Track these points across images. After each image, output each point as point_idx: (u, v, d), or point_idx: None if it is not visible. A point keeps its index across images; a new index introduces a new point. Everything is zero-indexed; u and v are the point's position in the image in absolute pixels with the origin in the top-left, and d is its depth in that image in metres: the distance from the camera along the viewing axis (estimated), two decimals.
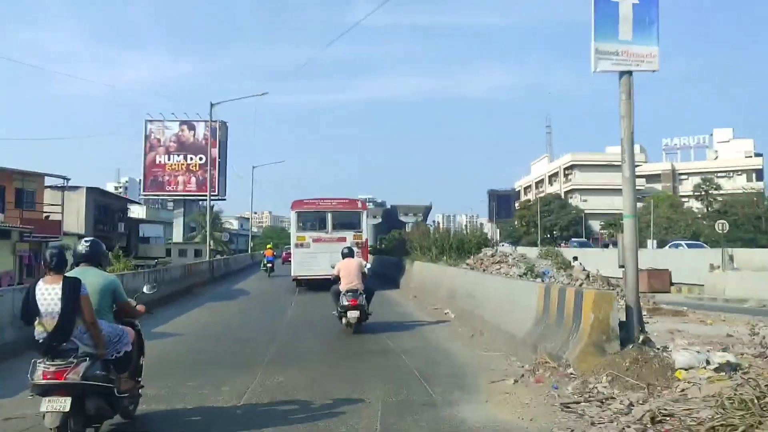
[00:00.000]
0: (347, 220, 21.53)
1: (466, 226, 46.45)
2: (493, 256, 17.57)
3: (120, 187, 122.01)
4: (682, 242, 41.63)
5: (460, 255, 21.02)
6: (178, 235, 72.10)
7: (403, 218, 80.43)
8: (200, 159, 72.52)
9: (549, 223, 76.43)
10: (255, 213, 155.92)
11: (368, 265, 13.44)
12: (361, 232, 21.19)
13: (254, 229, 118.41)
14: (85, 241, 5.50)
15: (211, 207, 79.02)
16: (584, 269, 17.07)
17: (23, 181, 31.45)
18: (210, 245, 31.97)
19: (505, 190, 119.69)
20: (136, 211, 76.28)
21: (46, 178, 32.00)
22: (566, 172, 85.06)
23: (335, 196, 22.91)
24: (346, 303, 11.41)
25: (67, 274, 4.87)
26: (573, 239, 64.52)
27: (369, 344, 10.57)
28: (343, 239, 19.50)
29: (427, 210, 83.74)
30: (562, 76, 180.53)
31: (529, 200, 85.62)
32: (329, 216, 21.25)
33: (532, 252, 24.32)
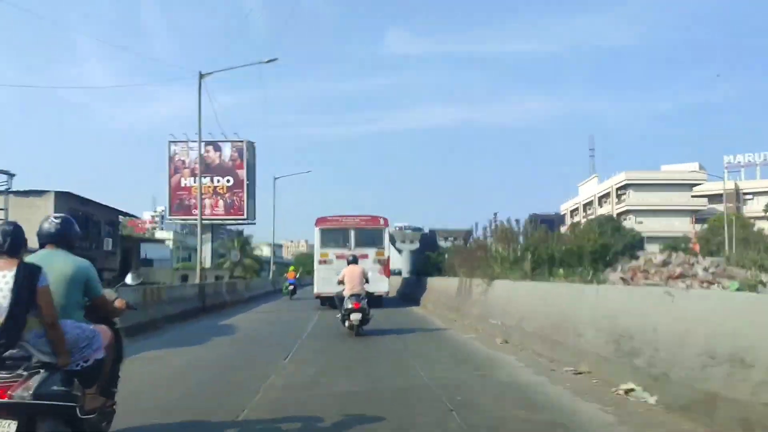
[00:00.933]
0: (370, 237, 20.92)
1: None
2: (665, 264, 8.75)
3: (156, 216, 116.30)
4: None
5: (568, 266, 12.55)
6: (206, 261, 65.06)
7: (442, 243, 71.49)
8: (227, 181, 65.35)
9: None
10: (291, 241, 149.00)
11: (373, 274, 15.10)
12: (383, 249, 20.73)
13: (289, 257, 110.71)
14: (55, 218, 4.07)
15: (242, 230, 72.11)
16: None
17: None
18: (201, 264, 23.97)
19: (547, 214, 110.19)
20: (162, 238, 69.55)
21: None
22: (619, 192, 75.08)
23: (359, 213, 21.88)
24: (349, 306, 11.47)
25: (27, 258, 3.58)
26: None
27: None
28: (365, 256, 18.84)
29: (468, 234, 74.43)
30: (600, 103, 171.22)
31: (579, 223, 75.71)
32: (352, 233, 20.77)
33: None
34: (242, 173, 65.49)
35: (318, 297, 20.50)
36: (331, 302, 18.89)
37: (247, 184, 65.29)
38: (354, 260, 12.72)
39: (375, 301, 19.67)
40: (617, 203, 75.01)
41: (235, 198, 66.08)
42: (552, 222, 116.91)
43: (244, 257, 69.72)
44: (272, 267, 49.69)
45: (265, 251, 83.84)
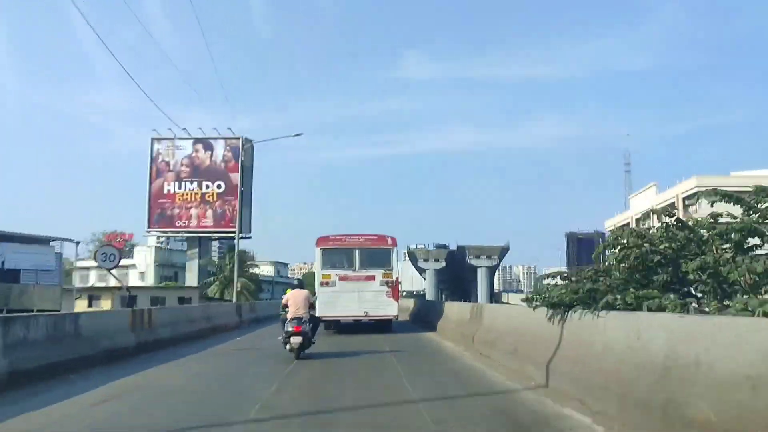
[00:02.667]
0: (376, 257, 19.08)
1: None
2: None
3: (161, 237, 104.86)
4: None
5: None
6: (192, 280, 52.87)
7: (473, 261, 58.15)
8: (218, 186, 52.90)
9: None
10: (305, 263, 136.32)
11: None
12: (390, 270, 19.03)
13: (300, 277, 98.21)
14: None
15: (234, 244, 59.83)
16: None
17: None
18: None
19: (585, 233, 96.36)
20: (143, 255, 57.22)
21: None
22: (686, 203, 61.34)
23: (364, 232, 20.03)
24: (290, 329, 11.68)
25: None
26: None
27: None
28: (372, 277, 18.71)
29: (503, 251, 60.65)
30: (619, 125, 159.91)
31: None
32: (356, 253, 19.14)
33: None
34: (236, 177, 52.73)
35: (320, 320, 19.80)
36: (335, 325, 19.11)
37: (242, 191, 53.03)
38: (300, 284, 14.21)
39: (383, 325, 18.52)
40: (683, 215, 61.09)
41: (226, 207, 53.28)
42: (591, 242, 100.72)
43: (241, 276, 57.28)
44: (236, 285, 34.09)
45: (265, 269, 71.03)
